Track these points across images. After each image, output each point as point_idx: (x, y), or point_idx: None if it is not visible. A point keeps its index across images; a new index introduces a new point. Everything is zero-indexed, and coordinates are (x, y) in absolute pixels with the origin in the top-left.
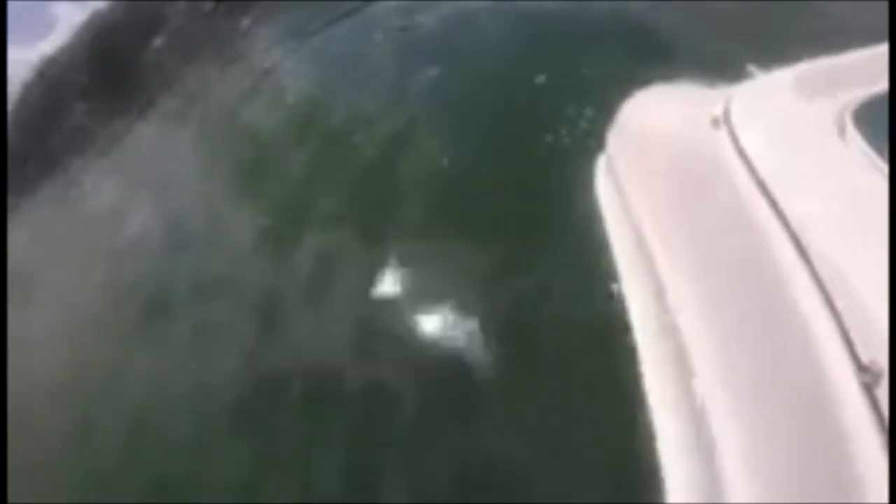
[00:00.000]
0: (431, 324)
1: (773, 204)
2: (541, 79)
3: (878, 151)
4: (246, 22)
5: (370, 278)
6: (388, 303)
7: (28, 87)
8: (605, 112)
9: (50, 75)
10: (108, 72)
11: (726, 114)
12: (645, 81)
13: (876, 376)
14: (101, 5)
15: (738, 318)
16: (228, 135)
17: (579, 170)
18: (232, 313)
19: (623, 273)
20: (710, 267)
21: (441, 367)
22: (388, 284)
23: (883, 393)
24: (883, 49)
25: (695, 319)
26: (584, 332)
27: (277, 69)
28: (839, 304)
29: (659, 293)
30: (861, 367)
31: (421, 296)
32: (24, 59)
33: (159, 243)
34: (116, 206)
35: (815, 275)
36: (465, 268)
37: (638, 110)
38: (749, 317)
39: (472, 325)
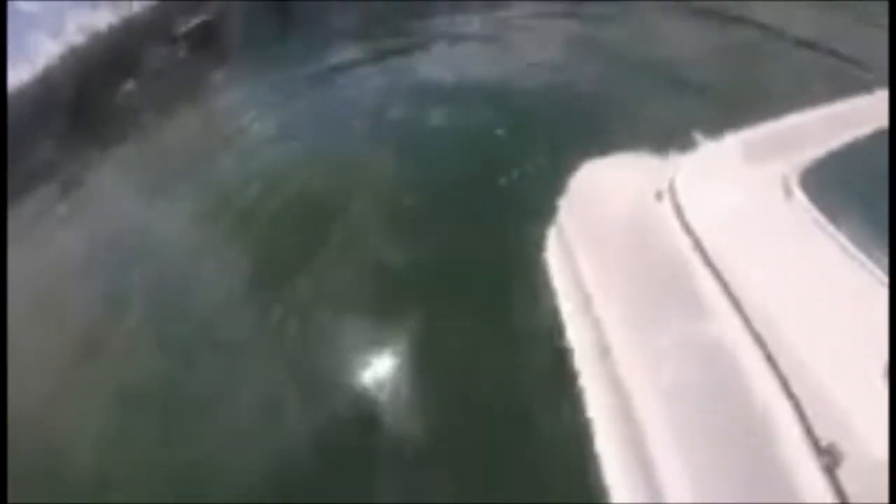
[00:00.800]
0: None
1: (718, 275)
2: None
3: (824, 212)
4: (219, 76)
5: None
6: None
7: None
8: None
9: (17, 107)
10: (78, 111)
11: (671, 186)
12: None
13: (836, 458)
14: (78, 40)
15: (689, 402)
16: (185, 189)
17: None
18: None
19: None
20: (656, 343)
21: None
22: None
23: (844, 474)
24: (834, 108)
25: (648, 397)
26: None
27: (243, 129)
28: (793, 384)
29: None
30: (821, 451)
31: None
32: None
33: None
34: (63, 239)
35: (764, 350)
36: None
37: (588, 181)
38: (703, 400)
39: None
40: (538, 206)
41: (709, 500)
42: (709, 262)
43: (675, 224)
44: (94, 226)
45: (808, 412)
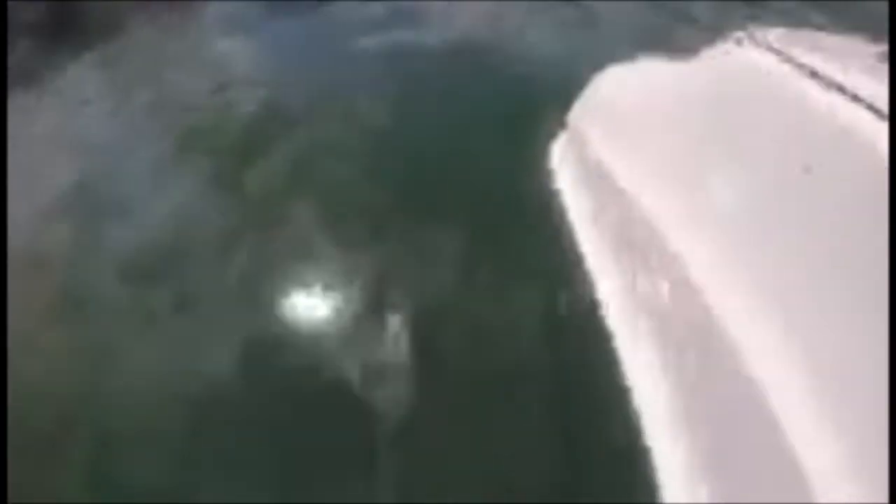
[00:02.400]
0: None
1: None
2: None
3: None
4: None
5: None
6: None
7: None
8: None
9: None
10: (55, 13)
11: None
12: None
13: None
14: None
15: None
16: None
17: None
18: None
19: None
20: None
21: None
22: None
23: None
24: None
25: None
26: None
27: (225, 43)
28: None
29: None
30: None
31: None
32: None
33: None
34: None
35: None
36: None
37: (616, 81)
38: None
39: None
40: None
41: None
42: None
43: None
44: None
45: None
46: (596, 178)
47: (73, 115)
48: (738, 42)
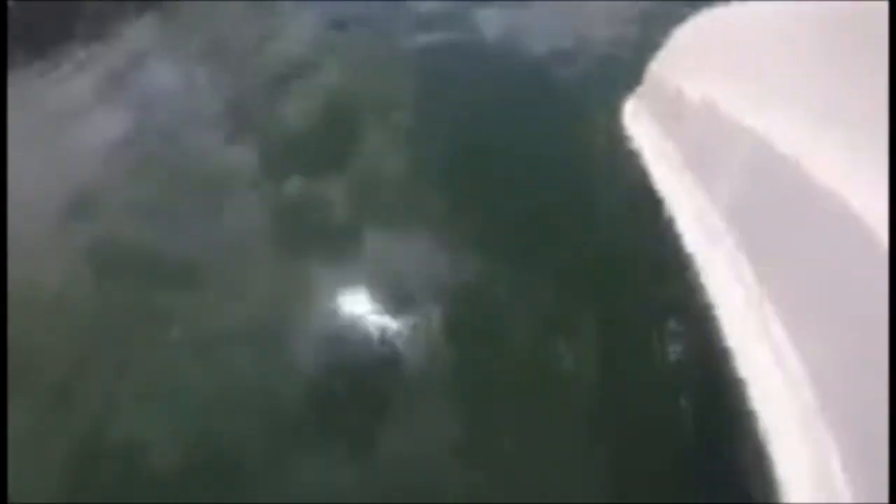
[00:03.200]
0: None
1: None
2: None
3: None
4: None
5: None
6: None
7: None
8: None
9: None
10: None
11: None
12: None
13: None
14: None
15: None
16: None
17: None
18: None
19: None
20: None
21: None
22: None
23: None
24: None
25: None
26: None
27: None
28: None
29: None
30: None
31: None
32: None
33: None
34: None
35: None
36: None
37: (699, 27)
38: None
39: None
40: None
41: None
42: None
43: None
44: None
45: None
46: (680, 114)
47: (135, 62)
48: None
